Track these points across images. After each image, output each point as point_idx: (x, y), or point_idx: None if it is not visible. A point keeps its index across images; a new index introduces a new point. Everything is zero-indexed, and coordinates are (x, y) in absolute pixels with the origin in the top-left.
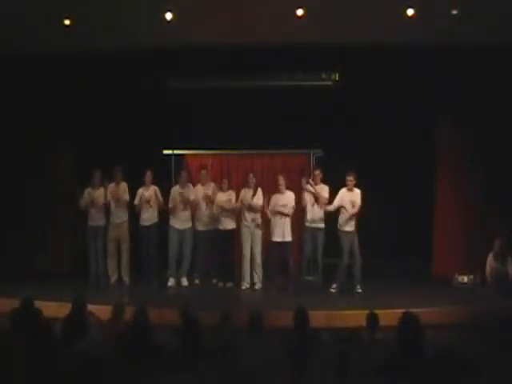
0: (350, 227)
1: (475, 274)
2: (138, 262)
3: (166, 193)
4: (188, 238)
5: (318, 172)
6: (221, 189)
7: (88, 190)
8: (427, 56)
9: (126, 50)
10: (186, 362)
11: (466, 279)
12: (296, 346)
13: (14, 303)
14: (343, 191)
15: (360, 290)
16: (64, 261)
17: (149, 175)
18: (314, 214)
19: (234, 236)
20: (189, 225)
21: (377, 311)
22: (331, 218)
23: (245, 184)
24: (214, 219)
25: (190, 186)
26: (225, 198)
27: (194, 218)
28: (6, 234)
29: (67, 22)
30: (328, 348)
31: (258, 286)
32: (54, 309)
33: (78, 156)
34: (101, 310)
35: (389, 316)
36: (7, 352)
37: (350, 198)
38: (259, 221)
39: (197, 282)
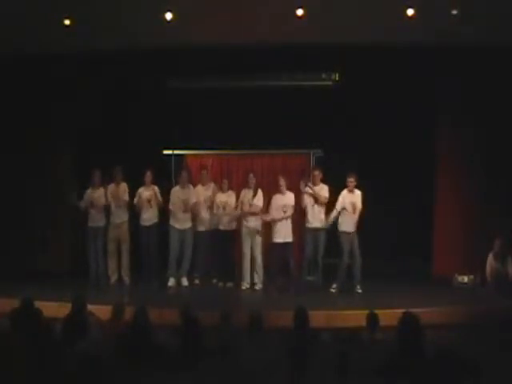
0: (350, 228)
1: (475, 274)
2: (138, 262)
3: (166, 193)
4: (188, 238)
5: (317, 172)
6: (221, 189)
7: (88, 191)
8: (427, 56)
9: (126, 50)
10: (186, 361)
11: (466, 279)
12: (296, 346)
13: (14, 303)
14: (344, 193)
15: (360, 291)
16: (64, 261)
17: (149, 175)
18: (315, 214)
19: (234, 236)
20: (189, 225)
21: (377, 311)
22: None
23: (245, 184)
24: (214, 219)
25: (191, 186)
26: (225, 198)
27: (194, 218)
28: (6, 233)
29: (67, 21)
30: (328, 348)
31: (258, 286)
32: (54, 309)
33: (78, 156)
34: (101, 310)
35: (389, 316)
36: (7, 352)
37: (350, 199)
38: (259, 227)
39: (197, 281)
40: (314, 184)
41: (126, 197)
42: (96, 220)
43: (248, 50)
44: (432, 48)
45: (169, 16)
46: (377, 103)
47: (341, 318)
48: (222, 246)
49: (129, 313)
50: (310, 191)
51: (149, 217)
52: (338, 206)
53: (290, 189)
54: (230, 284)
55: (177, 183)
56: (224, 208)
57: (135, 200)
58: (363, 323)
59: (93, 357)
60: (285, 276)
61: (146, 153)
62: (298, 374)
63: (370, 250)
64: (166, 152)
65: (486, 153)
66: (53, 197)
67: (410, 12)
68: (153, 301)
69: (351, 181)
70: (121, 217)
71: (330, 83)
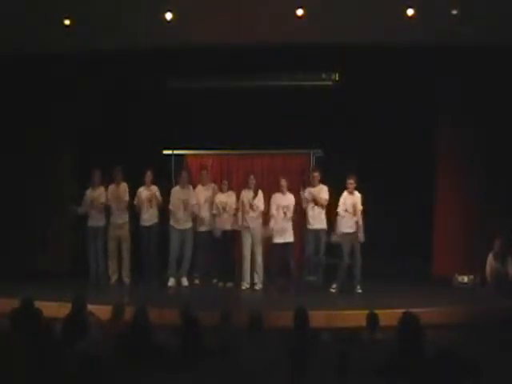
0: (351, 229)
1: (475, 274)
2: (138, 262)
3: (166, 193)
4: (189, 238)
5: (316, 174)
6: (220, 190)
7: (88, 191)
8: (427, 56)
9: (126, 50)
10: (186, 361)
11: (466, 279)
12: (296, 345)
13: (14, 303)
14: (345, 195)
15: (360, 291)
16: (64, 261)
17: (149, 175)
18: (315, 216)
19: (235, 236)
20: (189, 225)
21: (377, 311)
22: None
23: (245, 185)
24: (214, 220)
25: (190, 187)
26: (224, 199)
27: (194, 218)
28: (6, 234)
29: (67, 21)
30: (328, 348)
31: (258, 286)
32: (54, 309)
33: (78, 156)
34: (101, 310)
35: (389, 316)
36: (7, 352)
37: (351, 200)
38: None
39: (197, 281)
40: (313, 185)
41: (127, 197)
42: (96, 220)
43: (248, 50)
44: (432, 48)
45: (169, 16)
46: (377, 103)
47: (341, 317)
48: (222, 245)
49: (129, 313)
50: (310, 196)
51: (149, 217)
52: (341, 209)
53: (290, 189)
54: (229, 284)
55: (177, 183)
56: (224, 208)
57: (135, 200)
58: (363, 323)
59: (93, 357)
60: (285, 276)
61: (146, 153)
62: (298, 373)
63: (370, 249)
64: (165, 152)
65: (486, 153)
66: (53, 197)
67: (410, 12)
68: (153, 301)
69: (351, 182)
70: (121, 217)
71: (329, 83)
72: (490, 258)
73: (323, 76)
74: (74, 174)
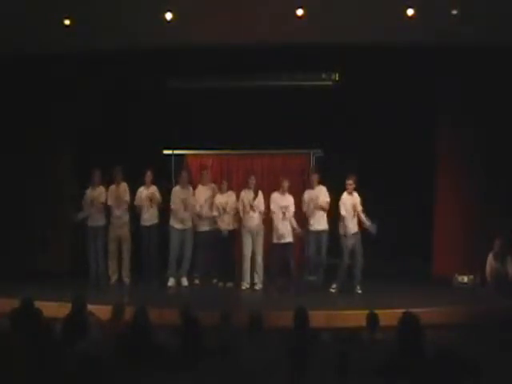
0: (351, 229)
1: (475, 274)
2: (138, 262)
3: (166, 193)
4: (188, 238)
5: (315, 176)
6: (220, 190)
7: (88, 191)
8: (427, 56)
9: (126, 50)
10: (186, 362)
11: (466, 279)
12: (296, 345)
13: (14, 303)
14: (345, 196)
15: (360, 291)
16: (64, 261)
17: (149, 175)
18: (316, 217)
19: (235, 236)
20: (189, 225)
21: (377, 311)
22: (333, 218)
23: (245, 185)
24: (214, 220)
25: (190, 188)
26: (224, 199)
27: (194, 218)
28: (6, 234)
29: (67, 21)
30: (328, 348)
31: (258, 286)
32: (54, 309)
33: (78, 156)
34: (101, 310)
35: (389, 316)
36: (7, 352)
37: (351, 201)
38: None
39: (197, 281)
40: (312, 187)
41: (127, 197)
42: (96, 219)
43: (248, 50)
44: (432, 48)
45: (169, 16)
46: (377, 103)
47: (341, 317)
48: (222, 245)
49: (129, 313)
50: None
51: (149, 217)
52: (343, 211)
53: (290, 189)
54: (230, 284)
55: (177, 183)
56: (224, 209)
57: (136, 201)
58: (363, 323)
59: (93, 357)
60: (285, 276)
61: (146, 153)
62: (298, 373)
63: (370, 249)
64: (166, 152)
65: (486, 153)
66: (53, 197)
67: (410, 12)
68: (153, 301)
69: (350, 183)
70: (122, 217)
71: (330, 83)
72: (490, 258)
73: (323, 76)
74: (74, 174)
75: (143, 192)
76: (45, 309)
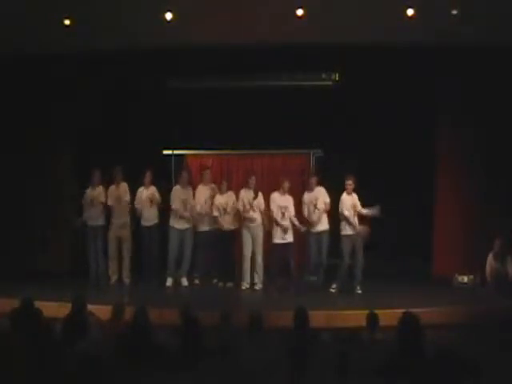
0: (351, 230)
1: (475, 274)
2: (138, 262)
3: (166, 193)
4: (188, 238)
5: (314, 179)
6: (219, 190)
7: (87, 190)
8: (427, 56)
9: (126, 50)
10: (186, 362)
11: (466, 279)
12: (296, 346)
13: (14, 303)
14: (344, 196)
15: (360, 291)
16: (64, 261)
17: (149, 175)
18: (317, 217)
19: (235, 236)
20: (189, 225)
21: (377, 311)
22: (333, 219)
23: (245, 184)
24: (214, 220)
25: (190, 188)
26: (224, 200)
27: (194, 218)
28: (6, 234)
29: (67, 21)
30: (328, 348)
31: (258, 286)
32: (54, 309)
33: (78, 156)
34: (101, 310)
35: (389, 316)
36: (7, 352)
37: (351, 202)
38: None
39: (197, 281)
40: (311, 189)
41: (127, 197)
42: (96, 219)
43: (248, 50)
44: (432, 48)
45: (169, 16)
46: (377, 103)
47: (341, 317)
48: (222, 245)
49: (129, 313)
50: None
51: (149, 217)
52: (345, 211)
53: (290, 190)
54: (230, 284)
55: (177, 183)
56: (225, 210)
57: (136, 201)
58: (363, 323)
59: (93, 357)
60: (285, 276)
61: (145, 153)
62: (298, 373)
63: (370, 249)
64: (165, 152)
65: (486, 153)
66: (53, 197)
67: (410, 12)
68: (153, 301)
69: (349, 183)
70: (122, 217)
71: (330, 83)
72: (490, 258)
73: (323, 76)
74: (74, 174)
75: (143, 193)
76: (45, 309)
